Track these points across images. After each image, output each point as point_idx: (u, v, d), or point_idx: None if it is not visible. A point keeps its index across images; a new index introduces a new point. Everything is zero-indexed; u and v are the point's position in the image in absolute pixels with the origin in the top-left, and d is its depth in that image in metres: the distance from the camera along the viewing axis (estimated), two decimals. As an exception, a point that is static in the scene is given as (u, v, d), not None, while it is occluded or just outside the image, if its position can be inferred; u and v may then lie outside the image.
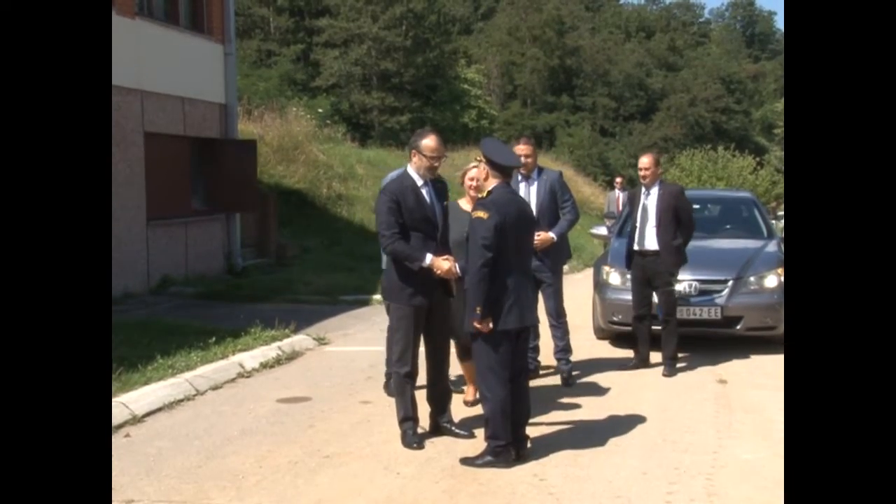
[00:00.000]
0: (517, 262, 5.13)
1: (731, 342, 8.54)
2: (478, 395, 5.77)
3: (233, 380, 7.57)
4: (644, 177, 7.75)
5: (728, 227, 9.96)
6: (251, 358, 8.17)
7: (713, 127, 61.15)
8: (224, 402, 6.86)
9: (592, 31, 68.05)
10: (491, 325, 5.01)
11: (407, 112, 46.52)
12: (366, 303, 12.17)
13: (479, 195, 5.88)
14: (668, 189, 7.81)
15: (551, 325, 7.32)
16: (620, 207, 18.38)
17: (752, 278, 8.41)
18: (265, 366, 8.14)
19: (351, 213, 19.52)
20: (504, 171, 5.19)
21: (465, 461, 5.19)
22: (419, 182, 5.48)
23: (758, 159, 46.65)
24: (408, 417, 5.59)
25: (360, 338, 9.76)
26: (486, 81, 56.05)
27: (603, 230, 10.65)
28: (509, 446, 5.13)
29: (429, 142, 5.45)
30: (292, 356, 8.64)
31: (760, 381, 7.37)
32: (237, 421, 6.30)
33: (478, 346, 5.12)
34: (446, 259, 5.41)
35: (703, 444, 5.60)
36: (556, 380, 7.39)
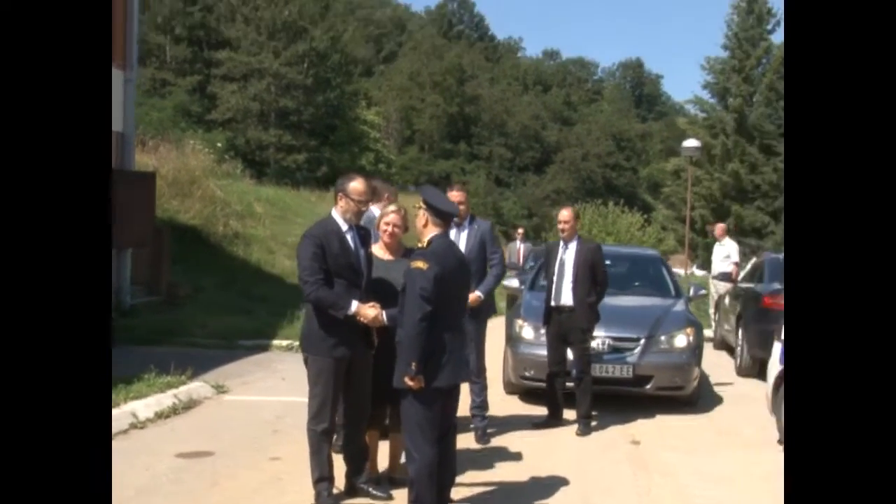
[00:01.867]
0: (453, 315, 4.94)
1: (641, 401, 8.54)
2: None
3: (125, 431, 7.07)
4: (563, 230, 7.71)
5: (636, 284, 10.04)
6: (145, 406, 7.68)
7: (604, 182, 62.90)
8: (116, 457, 6.35)
9: (491, 82, 69.37)
10: (423, 381, 4.77)
11: (304, 151, 46.13)
12: (265, 348, 11.73)
13: (393, 241, 5.68)
14: (585, 245, 7.79)
15: (470, 381, 7.12)
16: (521, 259, 18.50)
17: (662, 337, 8.45)
18: (160, 415, 7.66)
19: (248, 252, 19.01)
20: (445, 217, 5.00)
21: None
22: (344, 227, 5.26)
23: (645, 216, 48.08)
24: (323, 477, 5.29)
25: (262, 386, 9.36)
26: (385, 125, 56.18)
27: (515, 282, 10.59)
28: None
29: (356, 185, 5.26)
30: (189, 405, 8.18)
31: (672, 442, 7.35)
32: (132, 478, 5.83)
33: (407, 403, 4.85)
34: (372, 307, 5.19)
35: (625, 510, 5.50)
36: (468, 437, 7.19)
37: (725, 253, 14.51)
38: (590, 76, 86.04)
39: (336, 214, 5.29)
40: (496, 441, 7.15)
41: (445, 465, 5.00)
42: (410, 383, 4.72)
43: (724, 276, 13.07)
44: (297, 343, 11.90)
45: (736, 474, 6.45)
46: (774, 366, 7.30)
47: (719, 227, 15.46)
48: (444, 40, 73.75)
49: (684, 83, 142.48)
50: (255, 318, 13.72)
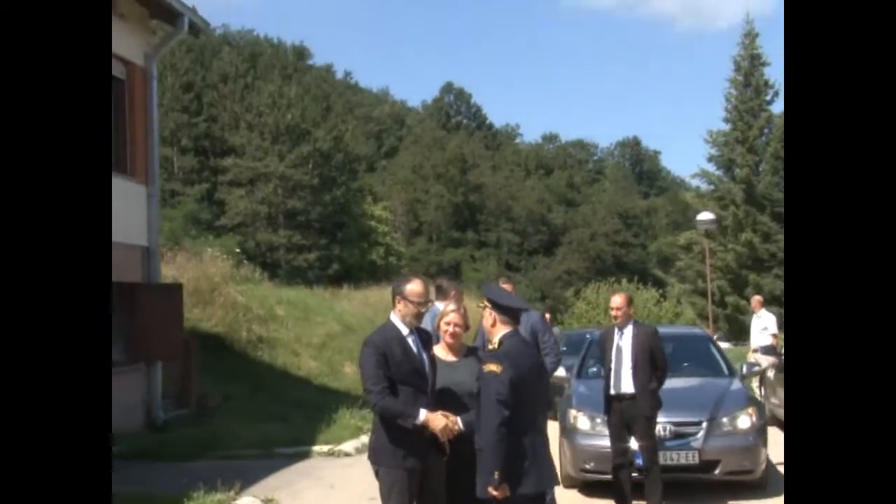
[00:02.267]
0: (532, 417, 4.66)
1: (708, 487, 8.20)
2: None
3: (182, 555, 6.78)
4: (616, 317, 7.54)
5: (686, 364, 9.78)
6: (200, 527, 7.39)
7: (614, 260, 62.91)
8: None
9: (493, 169, 70.06)
10: (508, 490, 4.48)
11: (314, 250, 46.34)
12: (305, 455, 11.41)
13: (456, 341, 5.51)
14: (642, 329, 7.59)
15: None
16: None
17: (725, 419, 8.17)
18: (216, 535, 7.37)
19: (273, 356, 18.78)
20: (513, 314, 4.79)
21: None
22: (405, 331, 5.07)
23: (660, 291, 47.97)
24: None
25: (311, 497, 9.05)
26: (393, 218, 56.59)
27: (562, 371, 10.33)
28: None
29: (415, 286, 5.08)
30: (242, 522, 7.88)
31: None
32: None
33: None
34: (444, 415, 4.97)
35: None
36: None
37: (763, 325, 14.26)
38: (590, 157, 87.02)
39: (395, 319, 5.10)
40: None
41: None
42: (495, 493, 4.42)
43: (769, 350, 12.79)
44: (338, 447, 11.72)
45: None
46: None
47: (756, 300, 15.25)
48: (443, 132, 74.86)
49: (682, 157, 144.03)
50: (290, 423, 13.41)
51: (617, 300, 7.61)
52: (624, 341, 7.47)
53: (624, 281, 45.13)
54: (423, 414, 4.88)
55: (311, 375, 18.35)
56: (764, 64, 39.72)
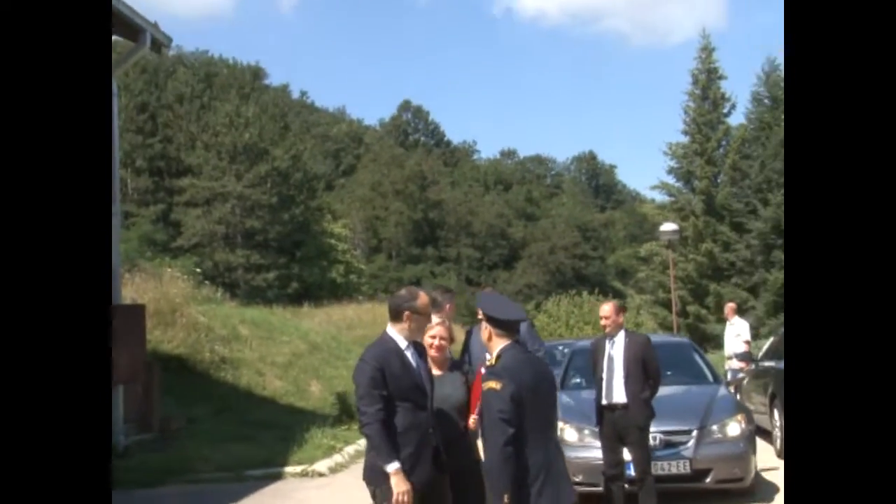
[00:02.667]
0: (542, 432, 4.29)
1: (697, 496, 8.00)
2: None
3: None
4: (605, 326, 7.33)
5: (670, 372, 9.57)
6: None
7: (573, 273, 63.12)
8: None
9: (453, 185, 70.09)
10: None
11: (273, 269, 45.84)
12: (278, 476, 11.03)
13: (441, 355, 5.29)
14: (634, 338, 7.39)
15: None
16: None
17: (714, 427, 8.00)
18: (190, 565, 6.98)
19: (237, 376, 18.27)
20: (510, 327, 4.39)
21: None
22: (403, 344, 4.79)
23: (620, 303, 47.94)
24: None
25: (287, 520, 8.68)
26: (352, 236, 56.23)
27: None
28: None
29: (425, 299, 4.84)
30: (217, 550, 7.49)
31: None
32: None
33: None
34: (406, 491, 4.55)
35: None
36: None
37: (736, 332, 14.19)
38: (548, 172, 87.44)
39: (393, 332, 4.82)
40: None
41: None
42: None
43: (745, 356, 12.68)
44: (312, 467, 11.35)
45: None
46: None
47: (729, 307, 15.19)
48: (401, 149, 74.76)
49: (638, 171, 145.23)
50: (258, 444, 12.99)
51: (606, 309, 7.40)
52: (615, 350, 7.26)
53: (585, 293, 45.22)
54: (394, 468, 4.54)
55: (277, 395, 17.89)
56: (721, 77, 40.08)
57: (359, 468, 11.82)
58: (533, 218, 70.79)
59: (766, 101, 40.86)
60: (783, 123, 36.08)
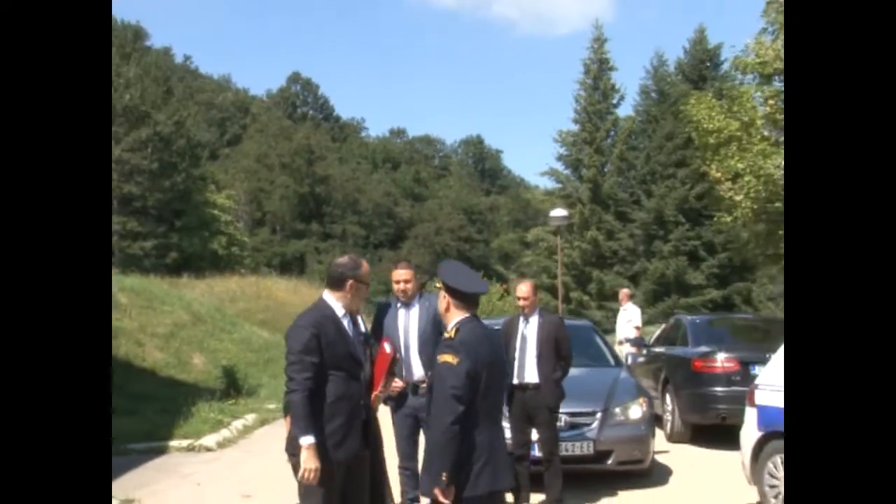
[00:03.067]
0: (490, 411, 4.15)
1: (596, 477, 8.08)
2: None
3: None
4: (524, 306, 7.27)
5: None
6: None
7: (458, 255, 63.44)
8: None
9: (340, 161, 69.27)
10: (454, 493, 3.97)
11: (151, 237, 44.31)
12: (162, 451, 10.58)
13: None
14: (548, 319, 7.35)
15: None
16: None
17: (617, 409, 8.08)
18: (74, 542, 6.57)
19: (114, 346, 17.48)
20: (469, 300, 4.19)
21: None
22: (340, 312, 4.61)
23: (504, 286, 48.75)
24: None
25: (177, 495, 8.32)
26: (236, 207, 54.88)
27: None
28: None
29: (367, 268, 4.74)
30: (103, 526, 7.09)
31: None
32: None
33: None
34: (315, 469, 4.39)
35: None
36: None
37: (628, 318, 14.48)
38: (436, 153, 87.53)
39: (331, 299, 4.63)
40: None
41: None
42: (442, 498, 3.94)
43: (637, 341, 12.94)
44: (198, 442, 10.94)
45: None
46: (751, 433, 7.02)
47: (623, 293, 15.47)
48: (289, 122, 73.35)
49: (523, 157, 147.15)
50: (140, 418, 12.45)
51: (524, 289, 7.33)
52: (529, 330, 7.21)
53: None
54: (309, 443, 4.36)
55: (158, 367, 17.25)
56: (611, 69, 40.97)
57: (247, 443, 11.59)
58: (420, 198, 70.76)
59: (653, 94, 42.02)
60: (670, 117, 37.21)
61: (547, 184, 44.95)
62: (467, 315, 4.15)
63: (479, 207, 72.99)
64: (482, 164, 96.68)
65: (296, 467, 4.56)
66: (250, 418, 13.12)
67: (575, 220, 37.07)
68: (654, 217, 36.58)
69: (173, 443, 10.91)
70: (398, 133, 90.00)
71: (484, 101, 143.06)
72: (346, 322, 4.61)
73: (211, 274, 34.94)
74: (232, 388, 14.94)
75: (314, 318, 4.49)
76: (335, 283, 4.62)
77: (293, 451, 4.52)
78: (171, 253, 44.81)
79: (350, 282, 4.60)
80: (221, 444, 11.24)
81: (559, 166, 41.09)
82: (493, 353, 4.21)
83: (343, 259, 4.73)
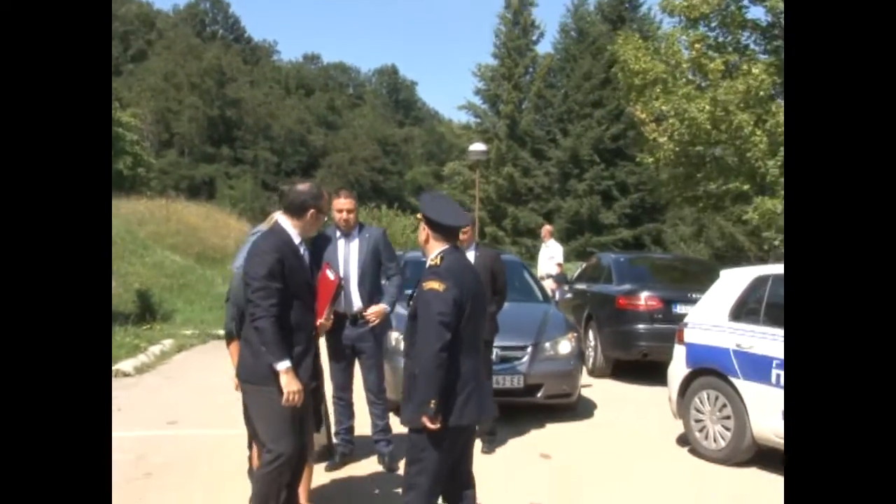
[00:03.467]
0: (473, 341, 4.17)
1: (526, 410, 8.24)
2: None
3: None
4: (462, 240, 7.20)
5: (501, 290, 9.73)
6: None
7: (371, 186, 63.02)
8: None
9: (252, 85, 67.42)
10: (441, 421, 3.99)
11: (52, 154, 42.44)
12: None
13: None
14: (485, 252, 7.34)
15: (370, 402, 6.53)
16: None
17: (547, 344, 8.20)
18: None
19: (20, 267, 16.92)
20: (450, 233, 4.20)
21: None
22: (297, 240, 4.50)
23: (417, 218, 48.69)
24: None
25: (99, 421, 8.12)
26: (141, 127, 52.96)
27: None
28: None
29: (326, 197, 4.68)
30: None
31: (580, 454, 7.09)
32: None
33: (418, 447, 4.08)
34: (299, 391, 4.34)
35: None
36: (372, 462, 6.57)
37: (550, 254, 14.65)
38: (351, 81, 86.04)
39: (288, 226, 4.49)
40: (403, 465, 6.52)
41: None
42: (429, 425, 3.95)
43: (560, 277, 13.12)
44: (115, 367, 10.70)
45: (670, 483, 6.28)
46: (679, 369, 7.24)
47: (546, 230, 15.61)
48: (198, 40, 70.82)
49: (438, 90, 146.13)
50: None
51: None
52: (466, 262, 7.19)
53: (384, 207, 45.36)
54: (286, 366, 4.29)
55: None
56: (532, 4, 40.74)
57: (167, 369, 11.41)
58: (334, 127, 69.64)
59: (573, 33, 42.06)
60: (589, 57, 37.38)
61: (463, 118, 44.87)
62: (448, 245, 4.17)
63: (394, 139, 72.36)
64: (396, 94, 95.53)
65: (247, 394, 4.49)
66: (167, 344, 12.89)
67: (491, 156, 37.13)
68: (569, 156, 36.95)
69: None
70: (312, 59, 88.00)
71: (400, 31, 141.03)
72: (302, 250, 4.52)
73: (117, 195, 33.79)
74: (147, 312, 14.62)
75: (276, 244, 4.37)
76: (296, 210, 4.47)
77: (251, 379, 4.42)
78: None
79: (312, 210, 4.48)
80: (139, 370, 11.03)
81: (477, 101, 41.02)
82: (475, 282, 4.24)
83: (304, 186, 4.57)
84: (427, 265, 4.18)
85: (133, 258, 20.13)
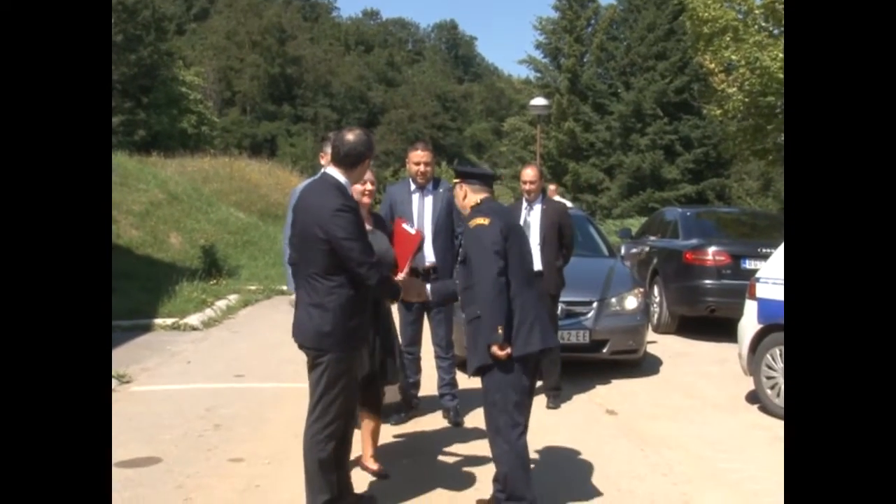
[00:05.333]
0: (525, 276, 4.33)
1: (591, 365, 8.14)
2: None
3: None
4: (529, 191, 7.11)
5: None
6: (51, 407, 6.48)
7: (431, 142, 62.62)
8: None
9: (312, 42, 67.35)
10: (510, 350, 4.15)
11: (118, 114, 43.08)
12: (147, 328, 10.53)
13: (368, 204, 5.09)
14: (552, 205, 7.22)
15: (437, 357, 6.50)
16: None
17: (613, 300, 8.08)
18: (70, 416, 6.51)
19: (89, 223, 17.24)
20: (484, 181, 4.52)
21: None
22: (349, 191, 4.39)
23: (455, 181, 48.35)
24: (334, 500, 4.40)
25: (168, 373, 8.28)
26: (205, 86, 53.45)
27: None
28: None
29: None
30: (97, 401, 7.02)
31: (648, 410, 6.98)
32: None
33: (493, 380, 4.20)
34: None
35: (663, 492, 5.02)
36: (437, 417, 6.56)
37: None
38: (410, 37, 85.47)
39: (342, 177, 4.29)
40: (468, 420, 6.49)
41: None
42: (499, 353, 4.10)
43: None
44: (183, 320, 10.87)
45: (742, 441, 6.15)
46: (750, 325, 7.05)
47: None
48: (258, -3, 70.92)
49: (497, 46, 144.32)
50: (122, 295, 12.30)
51: (530, 173, 7.15)
52: (532, 217, 7.08)
53: (443, 164, 45.19)
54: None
55: (134, 245, 17.04)
56: (595, -46, 39.81)
57: (233, 323, 11.53)
58: (393, 83, 69.31)
59: (637, -17, 40.95)
60: (652, 7, 36.45)
61: (523, 73, 44.28)
62: (486, 195, 4.48)
63: (453, 95, 71.74)
64: (456, 50, 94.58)
65: (319, 361, 4.30)
66: (233, 299, 13.07)
67: (552, 111, 36.56)
68: (632, 110, 36.16)
69: (158, 321, 10.84)
70: (371, 15, 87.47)
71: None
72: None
73: (181, 154, 34.18)
74: (213, 268, 14.81)
75: (354, 204, 4.24)
76: (354, 161, 4.24)
77: (324, 345, 4.16)
78: (139, 130, 43.77)
79: (366, 160, 4.35)
80: (207, 324, 11.20)
81: (537, 55, 40.35)
82: (516, 223, 4.58)
83: (354, 135, 4.25)
84: (470, 208, 4.46)
85: (199, 215, 20.39)
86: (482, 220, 4.25)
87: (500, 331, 4.07)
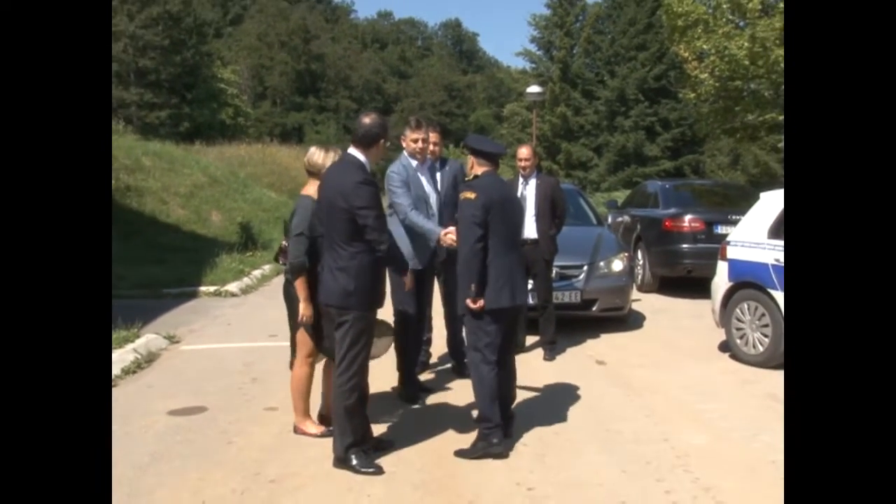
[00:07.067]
0: (505, 243, 4.54)
1: (582, 322, 8.10)
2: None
3: (100, 393, 5.90)
4: (524, 167, 7.05)
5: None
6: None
7: (440, 128, 62.32)
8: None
9: (333, 41, 66.90)
10: (482, 303, 4.42)
11: (166, 108, 43.11)
12: (193, 295, 10.54)
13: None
14: (545, 180, 7.16)
15: (446, 318, 6.45)
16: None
17: (601, 263, 8.01)
18: (127, 371, 6.53)
19: (141, 204, 17.19)
20: (492, 157, 4.63)
21: (460, 453, 4.50)
22: (369, 169, 4.36)
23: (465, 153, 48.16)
24: (357, 441, 4.38)
25: (212, 333, 8.28)
26: (240, 82, 53.22)
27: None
28: (499, 427, 4.51)
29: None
30: (150, 358, 7.06)
31: (633, 360, 6.94)
32: (138, 443, 4.80)
33: (470, 326, 4.55)
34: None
35: (645, 431, 4.99)
36: (447, 372, 6.54)
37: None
38: (419, 34, 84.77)
39: (361, 157, 4.24)
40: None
41: (508, 385, 4.70)
42: (472, 305, 4.41)
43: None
44: (224, 288, 10.86)
45: (715, 385, 6.11)
46: (722, 283, 6.99)
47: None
48: (286, 3, 70.29)
49: (497, 40, 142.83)
50: (170, 266, 12.35)
51: (525, 152, 7.11)
52: (528, 191, 7.03)
53: (451, 146, 44.95)
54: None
55: (181, 222, 17.02)
56: (582, -44, 39.23)
57: (267, 290, 11.50)
58: (406, 76, 68.91)
59: (618, -18, 40.39)
60: (633, 4, 35.96)
61: (520, 64, 43.90)
62: (489, 169, 4.62)
63: (458, 85, 71.26)
64: (460, 45, 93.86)
65: (343, 318, 4.21)
66: (267, 268, 13.03)
67: (546, 97, 36.19)
68: (616, 95, 35.83)
69: (202, 288, 10.85)
70: (385, 16, 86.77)
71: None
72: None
73: (220, 142, 34.11)
74: (249, 241, 14.78)
75: (367, 175, 4.22)
76: (371, 141, 4.24)
77: (349, 304, 4.16)
78: (183, 122, 43.73)
79: (382, 140, 4.31)
80: (244, 291, 11.19)
81: (532, 48, 39.91)
82: (505, 192, 4.67)
83: (370, 118, 4.28)
84: (466, 180, 4.80)
85: (236, 195, 20.35)
86: (469, 195, 4.44)
87: (472, 287, 4.37)
